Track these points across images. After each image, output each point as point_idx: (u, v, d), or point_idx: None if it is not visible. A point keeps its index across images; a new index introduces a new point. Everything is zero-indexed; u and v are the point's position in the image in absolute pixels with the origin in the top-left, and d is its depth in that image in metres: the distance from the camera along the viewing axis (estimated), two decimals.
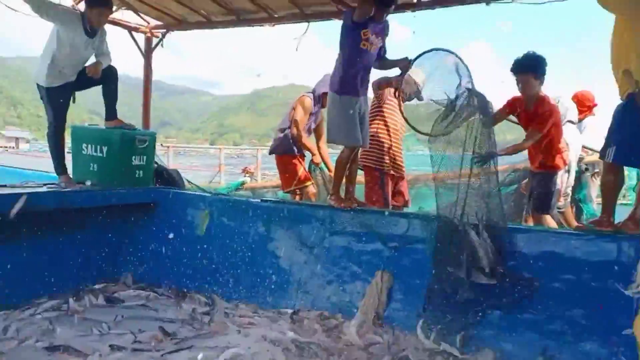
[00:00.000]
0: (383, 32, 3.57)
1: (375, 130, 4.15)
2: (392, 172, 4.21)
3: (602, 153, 2.83)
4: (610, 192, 2.91)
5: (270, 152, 4.85)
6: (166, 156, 11.15)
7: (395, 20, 3.74)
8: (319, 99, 4.55)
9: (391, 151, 4.19)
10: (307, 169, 4.74)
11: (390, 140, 4.19)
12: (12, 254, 3.29)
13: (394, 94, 3.92)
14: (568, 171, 4.34)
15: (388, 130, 4.18)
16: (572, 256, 2.71)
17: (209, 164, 16.13)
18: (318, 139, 4.77)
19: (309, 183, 4.68)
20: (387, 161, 4.16)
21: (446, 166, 3.11)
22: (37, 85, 3.93)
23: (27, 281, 3.33)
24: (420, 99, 3.83)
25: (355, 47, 3.44)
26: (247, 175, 9.66)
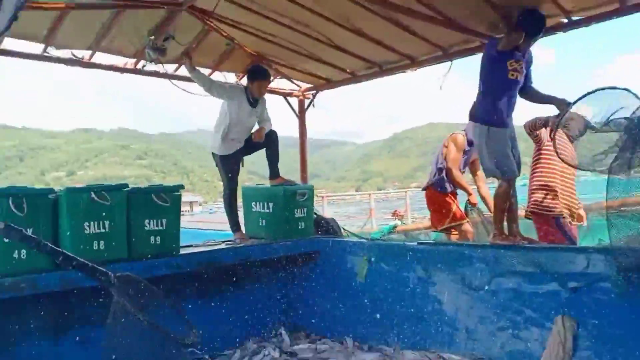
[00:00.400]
0: (527, 60, 3.44)
1: (539, 174, 3.94)
2: (567, 218, 3.90)
3: None
4: None
5: (424, 189, 4.81)
6: (321, 206, 11.72)
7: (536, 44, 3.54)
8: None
9: (563, 196, 3.91)
10: (461, 208, 4.58)
11: (562, 183, 3.92)
12: (201, 307, 3.67)
13: (549, 135, 3.64)
14: None
15: (554, 173, 3.91)
16: None
17: (359, 210, 16.48)
18: (474, 175, 4.60)
19: (464, 221, 4.49)
20: (560, 206, 3.89)
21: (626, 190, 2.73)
22: (213, 154, 4.50)
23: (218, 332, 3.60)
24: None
25: (502, 77, 3.34)
26: (397, 218, 9.65)
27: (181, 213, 3.81)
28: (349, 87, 5.43)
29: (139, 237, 3.38)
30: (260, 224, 4.44)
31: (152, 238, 3.47)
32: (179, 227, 3.70)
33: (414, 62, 4.65)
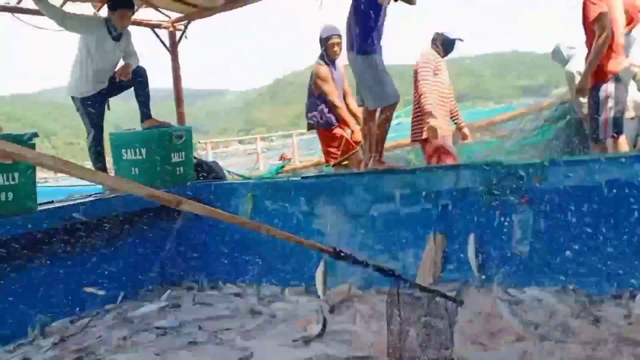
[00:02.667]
0: None
1: (417, 101, 4.22)
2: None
3: None
4: None
5: (310, 128, 4.76)
6: (205, 155, 11.42)
7: None
8: (330, 59, 4.45)
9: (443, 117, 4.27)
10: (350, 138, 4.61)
11: (441, 106, 4.24)
12: (77, 264, 3.35)
13: None
14: None
15: (432, 96, 4.19)
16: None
17: (245, 160, 16.41)
18: (345, 96, 4.62)
19: (355, 150, 4.54)
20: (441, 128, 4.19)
21: None
22: (72, 97, 4.02)
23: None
24: None
25: (374, 3, 3.33)
26: (285, 161, 9.68)
27: (44, 180, 3.36)
28: (225, 33, 5.15)
29: None
30: (133, 173, 4.08)
31: (1, 195, 3.02)
32: (35, 181, 3.26)
33: None
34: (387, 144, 4.83)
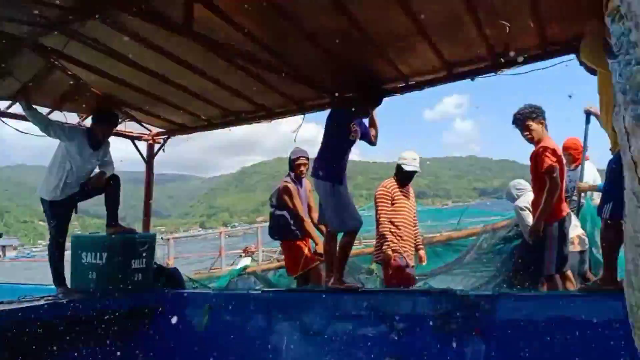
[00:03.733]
0: (362, 122, 3.94)
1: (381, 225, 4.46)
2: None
3: (599, 211, 2.81)
4: (612, 249, 2.83)
5: (272, 237, 4.88)
6: (166, 247, 11.18)
7: None
8: (297, 177, 4.68)
9: (404, 241, 4.47)
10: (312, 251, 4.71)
11: (405, 229, 4.50)
12: None
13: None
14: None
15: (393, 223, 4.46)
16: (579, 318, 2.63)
17: (207, 246, 16.05)
18: (310, 211, 4.80)
19: (316, 264, 4.63)
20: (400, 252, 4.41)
21: None
22: (41, 199, 4.04)
23: None
24: None
25: (344, 138, 3.72)
26: (248, 255, 9.56)
27: None
28: None
29: None
30: (90, 276, 4.00)
31: None
32: None
33: (269, 113, 4.80)
34: (353, 251, 5.00)
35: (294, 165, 4.65)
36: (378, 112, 4.17)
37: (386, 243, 4.35)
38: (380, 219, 4.42)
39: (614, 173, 2.73)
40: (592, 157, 4.99)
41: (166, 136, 5.45)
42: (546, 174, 3.67)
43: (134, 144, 5.38)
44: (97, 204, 4.50)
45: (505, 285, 5.06)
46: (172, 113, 4.94)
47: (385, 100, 4.12)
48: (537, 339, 2.72)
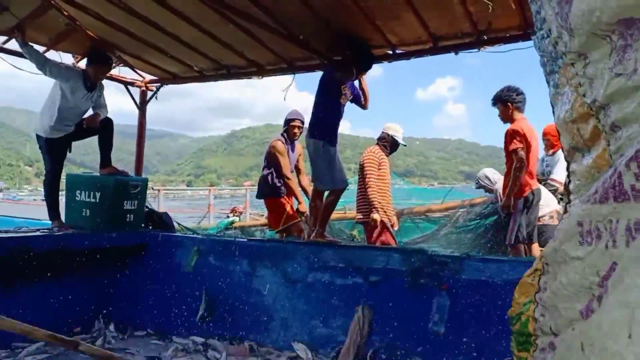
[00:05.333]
0: (353, 85, 4.10)
1: (363, 191, 4.69)
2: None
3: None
4: None
5: (258, 197, 5.07)
6: (156, 200, 11.30)
7: None
8: (290, 138, 4.86)
9: (382, 207, 4.67)
10: (294, 209, 4.92)
11: (381, 197, 4.68)
12: (7, 297, 3.36)
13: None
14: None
15: (374, 189, 4.67)
16: None
17: (196, 205, 16.16)
18: (298, 173, 4.99)
19: (297, 220, 4.85)
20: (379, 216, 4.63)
21: None
22: (37, 135, 4.16)
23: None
24: None
25: (335, 101, 3.84)
26: (236, 215, 9.77)
27: None
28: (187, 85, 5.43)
29: None
30: (84, 214, 4.19)
31: None
32: None
33: (260, 70, 4.90)
34: (335, 214, 5.23)
35: (289, 126, 4.81)
36: (371, 86, 4.34)
37: (374, 209, 4.57)
38: (369, 183, 4.62)
39: None
40: None
41: (159, 84, 5.52)
42: (512, 154, 3.96)
43: (127, 89, 5.46)
44: (84, 153, 4.61)
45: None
46: (165, 61, 5.01)
47: (379, 75, 4.31)
48: (496, 299, 2.97)
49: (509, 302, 2.84)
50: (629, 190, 0.60)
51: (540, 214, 4.34)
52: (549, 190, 4.83)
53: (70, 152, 4.31)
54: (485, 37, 3.81)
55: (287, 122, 4.88)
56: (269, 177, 4.83)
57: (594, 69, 0.72)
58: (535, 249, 4.22)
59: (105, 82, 4.51)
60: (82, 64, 4.52)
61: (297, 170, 5.00)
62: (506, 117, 4.22)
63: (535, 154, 4.24)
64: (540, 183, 4.88)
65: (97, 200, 4.17)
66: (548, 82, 1.00)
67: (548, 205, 4.40)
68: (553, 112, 1.03)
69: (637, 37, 0.62)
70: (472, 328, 3.00)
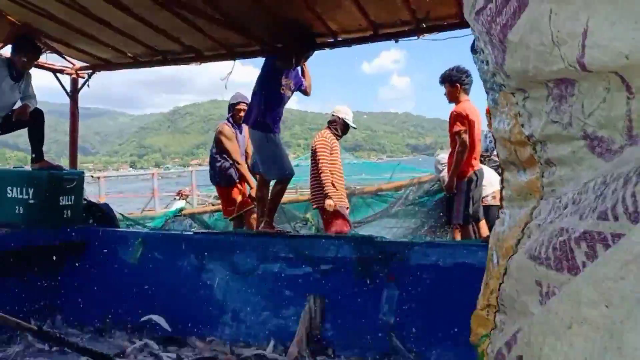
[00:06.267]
0: (297, 75, 4.04)
1: (316, 175, 4.67)
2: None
3: None
4: None
5: (213, 182, 4.98)
6: (97, 186, 10.84)
7: None
8: (236, 122, 4.78)
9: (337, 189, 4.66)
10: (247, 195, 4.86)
11: (337, 179, 4.71)
12: None
13: None
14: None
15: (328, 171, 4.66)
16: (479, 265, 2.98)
17: (139, 187, 15.69)
18: (247, 158, 4.93)
19: (250, 207, 4.79)
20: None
21: None
22: None
23: None
24: None
25: (276, 92, 3.78)
26: (182, 198, 9.53)
27: None
28: None
29: None
30: (17, 211, 3.95)
31: None
32: None
33: (199, 56, 4.71)
34: (286, 197, 5.20)
35: (235, 110, 4.70)
36: (316, 60, 4.29)
37: (329, 191, 4.57)
38: (323, 168, 4.61)
39: None
40: None
41: (90, 71, 5.22)
42: (455, 136, 4.07)
43: (57, 77, 5.11)
44: (18, 135, 4.36)
45: (427, 237, 5.52)
46: (96, 48, 4.71)
47: (324, 50, 4.25)
48: (443, 284, 3.06)
49: (458, 287, 2.94)
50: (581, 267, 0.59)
51: (483, 194, 4.49)
52: (492, 166, 5.01)
53: None
54: (424, 25, 3.83)
55: (232, 106, 4.76)
56: (221, 165, 4.72)
57: (532, 106, 0.72)
58: (483, 226, 4.38)
59: (32, 69, 4.20)
60: (5, 51, 4.18)
61: (246, 155, 4.91)
62: (452, 98, 4.29)
63: (479, 134, 4.35)
64: (485, 159, 5.04)
65: (30, 197, 3.94)
66: (487, 93, 0.99)
67: (491, 184, 4.55)
68: (491, 119, 1.03)
69: (571, 92, 0.62)
70: (421, 315, 3.07)
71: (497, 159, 5.16)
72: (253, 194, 4.77)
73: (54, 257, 3.88)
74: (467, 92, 4.30)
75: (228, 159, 4.72)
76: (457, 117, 4.16)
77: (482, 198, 4.49)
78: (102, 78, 5.32)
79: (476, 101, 4.40)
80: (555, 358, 0.54)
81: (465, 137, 4.10)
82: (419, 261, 3.16)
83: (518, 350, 0.63)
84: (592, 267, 0.57)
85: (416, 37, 3.95)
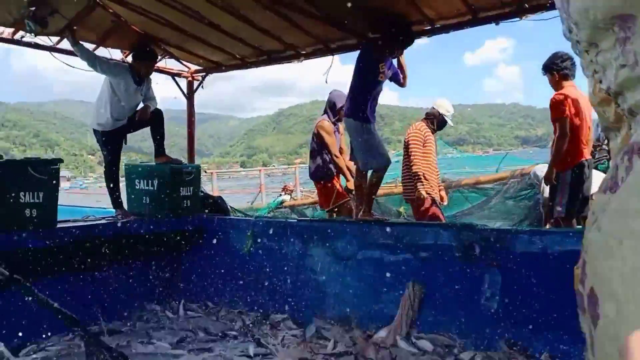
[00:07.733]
0: (392, 65, 4.06)
1: (408, 166, 4.72)
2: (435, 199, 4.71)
3: None
4: None
5: (312, 178, 5.20)
6: (210, 182, 11.74)
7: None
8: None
9: (430, 183, 4.68)
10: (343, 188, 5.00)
11: (428, 171, 4.71)
12: (77, 282, 3.65)
13: None
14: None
15: (421, 164, 4.69)
16: None
17: (248, 184, 16.63)
18: (341, 153, 5.04)
19: (347, 199, 4.92)
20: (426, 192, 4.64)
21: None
22: (94, 130, 4.42)
23: (95, 305, 3.63)
24: None
25: (374, 79, 3.82)
26: (287, 193, 10.02)
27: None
28: None
29: (12, 209, 3.29)
30: (144, 201, 4.46)
31: (27, 211, 3.40)
32: (57, 201, 3.65)
33: (299, 54, 4.94)
34: (382, 190, 5.26)
35: (338, 112, 4.82)
36: (415, 53, 4.28)
37: (420, 184, 4.57)
38: (414, 160, 4.62)
39: None
40: None
41: (204, 73, 5.68)
42: (555, 122, 3.82)
43: (175, 80, 5.65)
44: (141, 139, 4.86)
45: None
46: (208, 51, 5.14)
47: (423, 42, 4.24)
48: (549, 271, 2.92)
49: (561, 275, 2.80)
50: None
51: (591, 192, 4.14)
52: (603, 156, 4.63)
53: (125, 143, 4.55)
54: (527, 5, 3.64)
55: (340, 109, 4.86)
56: (321, 161, 4.91)
57: (603, 58, 0.72)
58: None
59: (153, 74, 4.69)
60: (129, 59, 4.72)
61: (341, 150, 5.04)
62: (554, 86, 4.06)
63: (588, 120, 4.04)
64: (596, 149, 4.66)
65: (155, 188, 4.41)
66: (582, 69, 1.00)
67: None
68: None
69: (633, 30, 0.62)
70: (525, 302, 2.97)
71: (607, 147, 4.76)
72: (349, 186, 4.90)
73: (178, 242, 4.32)
74: (566, 77, 4.01)
75: (327, 153, 4.88)
76: (555, 104, 3.90)
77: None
78: (214, 85, 5.79)
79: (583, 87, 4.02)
80: (610, 275, 0.56)
81: (565, 124, 3.83)
82: (524, 249, 3.05)
83: (590, 282, 0.65)
84: (632, 177, 0.58)
85: (518, 19, 3.77)
